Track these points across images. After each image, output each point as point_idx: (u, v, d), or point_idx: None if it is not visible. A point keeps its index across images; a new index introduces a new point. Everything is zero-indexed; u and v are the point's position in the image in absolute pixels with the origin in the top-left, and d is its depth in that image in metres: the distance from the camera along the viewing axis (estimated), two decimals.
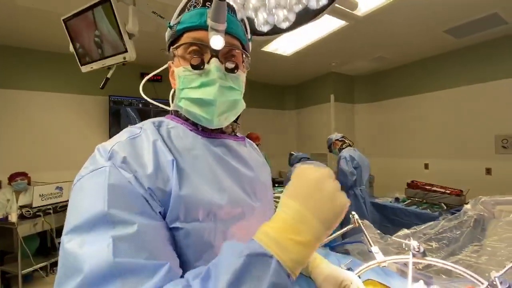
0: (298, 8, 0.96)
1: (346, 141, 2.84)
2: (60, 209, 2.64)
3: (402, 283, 0.59)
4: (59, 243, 2.36)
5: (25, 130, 3.16)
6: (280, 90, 5.44)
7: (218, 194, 0.47)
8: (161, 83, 3.81)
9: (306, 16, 1.03)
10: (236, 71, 0.52)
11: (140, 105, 3.75)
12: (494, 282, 0.43)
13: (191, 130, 0.53)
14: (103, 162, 0.41)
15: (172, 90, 0.71)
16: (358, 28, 2.78)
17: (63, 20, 1.42)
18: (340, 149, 2.78)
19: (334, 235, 0.78)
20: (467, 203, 1.84)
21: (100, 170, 0.40)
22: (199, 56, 0.51)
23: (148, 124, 0.52)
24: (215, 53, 0.50)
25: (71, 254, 0.33)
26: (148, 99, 0.72)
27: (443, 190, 2.72)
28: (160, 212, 0.41)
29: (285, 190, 0.38)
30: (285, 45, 3.22)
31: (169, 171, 0.44)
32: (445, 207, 2.54)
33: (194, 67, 0.49)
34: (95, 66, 1.48)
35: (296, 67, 4.18)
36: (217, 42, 0.48)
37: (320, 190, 0.35)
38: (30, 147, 3.17)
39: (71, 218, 0.37)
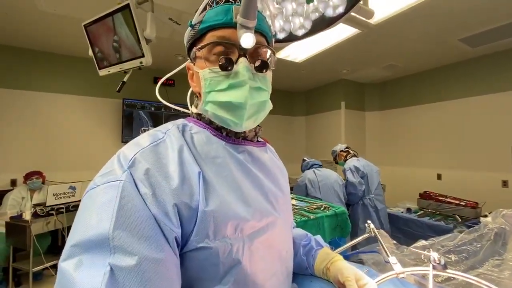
0: (315, 16, 0.97)
1: (351, 151, 2.82)
2: (73, 208, 2.69)
3: None
4: None
5: (41, 131, 3.26)
6: (290, 96, 5.45)
7: (243, 207, 0.45)
8: (174, 87, 3.89)
9: (321, 23, 1.04)
10: (265, 70, 0.50)
11: (152, 109, 3.82)
12: None
13: (214, 135, 0.50)
14: (120, 173, 0.38)
15: (189, 92, 0.69)
16: (370, 36, 2.77)
17: (84, 25, 1.48)
18: (346, 160, 2.76)
19: (349, 244, 0.77)
20: (483, 216, 1.78)
21: (113, 184, 0.37)
22: (225, 55, 0.47)
23: (172, 128, 0.49)
24: (243, 52, 0.47)
25: (66, 275, 0.32)
26: (167, 103, 0.71)
27: (458, 202, 2.64)
28: (176, 238, 0.38)
29: None
30: (297, 52, 3.24)
31: (195, 184, 0.41)
32: (460, 220, 2.46)
33: (223, 67, 0.46)
34: (113, 70, 1.52)
35: (307, 74, 4.19)
36: (248, 40, 0.44)
37: None
38: (46, 147, 3.26)
39: (76, 232, 0.36)
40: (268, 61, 0.51)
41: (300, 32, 1.03)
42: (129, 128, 3.65)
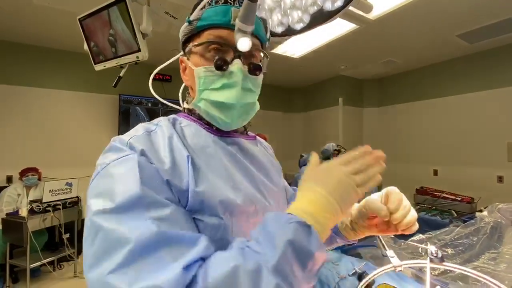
0: (313, 9, 0.96)
1: (342, 149, 2.92)
2: (69, 205, 2.67)
3: None
4: (67, 238, 2.36)
5: (37, 127, 3.23)
6: (288, 93, 5.43)
7: (233, 192, 0.47)
8: (170, 83, 3.86)
9: (320, 18, 1.03)
10: (258, 73, 0.52)
11: (149, 104, 3.79)
12: None
13: (203, 128, 0.53)
14: (128, 150, 0.41)
15: (182, 87, 0.70)
16: (368, 31, 2.76)
17: (78, 19, 1.45)
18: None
19: None
20: (479, 211, 1.80)
21: (127, 157, 0.40)
22: (221, 55, 0.49)
23: (163, 120, 0.51)
24: (238, 54, 0.49)
25: (111, 230, 0.33)
26: (160, 99, 0.70)
27: (453, 197, 2.68)
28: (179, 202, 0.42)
29: (308, 175, 0.44)
30: (295, 48, 3.22)
31: (184, 167, 0.44)
32: (456, 214, 2.49)
33: (218, 67, 0.48)
34: (109, 64, 1.50)
35: (304, 70, 4.17)
36: (244, 44, 0.46)
37: (337, 180, 0.41)
38: (42, 143, 3.23)
39: (103, 202, 0.36)
40: (261, 64, 0.53)
41: (298, 26, 1.02)
42: (125, 124, 3.62)
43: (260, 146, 0.64)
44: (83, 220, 3.13)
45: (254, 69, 0.51)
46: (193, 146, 0.48)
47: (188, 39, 0.53)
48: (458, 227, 0.98)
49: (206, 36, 0.50)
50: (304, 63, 3.75)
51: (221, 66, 0.48)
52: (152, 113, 3.81)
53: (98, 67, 1.52)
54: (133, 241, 0.32)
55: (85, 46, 1.51)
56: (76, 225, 2.75)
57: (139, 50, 1.36)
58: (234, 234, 0.45)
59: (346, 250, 0.93)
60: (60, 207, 2.57)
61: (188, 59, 0.54)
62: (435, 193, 2.84)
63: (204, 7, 0.51)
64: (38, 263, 2.42)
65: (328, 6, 0.93)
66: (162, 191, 0.39)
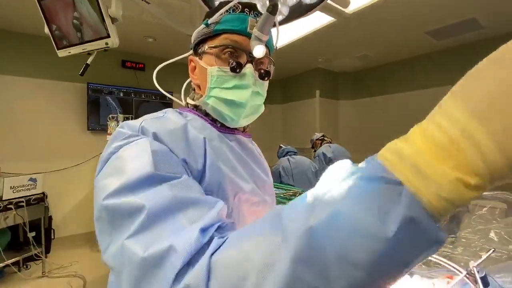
0: (292, 2, 0.95)
1: (326, 138, 2.97)
2: (34, 201, 2.50)
3: None
4: (32, 237, 2.20)
5: None
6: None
7: (241, 181, 0.52)
8: (144, 72, 3.68)
9: (299, 10, 1.03)
10: (266, 78, 0.58)
11: (121, 94, 3.59)
12: (472, 271, 0.47)
13: (208, 123, 0.56)
14: (140, 135, 0.43)
15: (185, 84, 0.73)
16: (345, 25, 2.81)
17: None
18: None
19: None
20: None
21: (139, 141, 0.41)
22: (235, 58, 0.54)
23: (170, 111, 0.55)
24: (250, 59, 0.54)
25: (124, 203, 0.34)
26: (164, 92, 0.71)
27: None
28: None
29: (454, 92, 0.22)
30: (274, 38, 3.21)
31: (200, 149, 0.47)
32: None
33: (233, 69, 0.52)
34: (74, 50, 1.39)
35: (283, 62, 4.18)
36: (259, 51, 0.51)
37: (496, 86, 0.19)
38: (0, 135, 2.96)
39: (114, 181, 0.36)
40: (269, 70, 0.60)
41: (277, 18, 1.01)
42: (95, 114, 3.41)
43: (254, 144, 0.70)
44: (50, 217, 2.94)
45: (264, 75, 0.57)
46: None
47: (203, 40, 0.57)
48: None
49: (222, 39, 0.54)
50: (282, 55, 3.75)
51: (236, 68, 0.52)
52: (125, 104, 3.61)
53: (62, 53, 1.40)
54: (149, 207, 0.32)
55: (46, 29, 1.38)
56: (42, 222, 2.58)
57: (108, 36, 1.27)
58: (237, 219, 0.50)
59: None
60: (24, 204, 2.39)
61: (200, 59, 0.57)
62: None
63: (222, 14, 0.55)
64: (1, 264, 2.26)
65: None
66: (176, 169, 0.40)
